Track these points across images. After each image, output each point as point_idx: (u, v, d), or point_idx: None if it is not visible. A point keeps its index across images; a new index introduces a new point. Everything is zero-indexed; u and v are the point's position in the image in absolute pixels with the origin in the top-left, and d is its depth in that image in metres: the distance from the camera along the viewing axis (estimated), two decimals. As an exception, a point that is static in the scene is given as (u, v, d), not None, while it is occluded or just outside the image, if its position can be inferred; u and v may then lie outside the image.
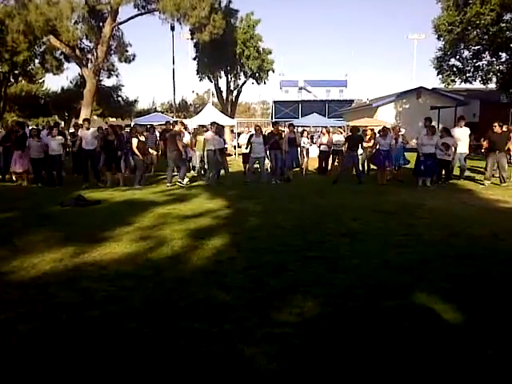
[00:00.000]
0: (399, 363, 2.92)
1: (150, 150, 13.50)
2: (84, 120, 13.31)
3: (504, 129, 12.79)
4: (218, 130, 13.00)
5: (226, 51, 38.26)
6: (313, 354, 3.02)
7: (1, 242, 6.00)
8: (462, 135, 12.50)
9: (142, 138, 12.49)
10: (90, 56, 28.57)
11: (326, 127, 16.69)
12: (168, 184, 12.02)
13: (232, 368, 2.86)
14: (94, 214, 8.12)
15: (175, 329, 3.40)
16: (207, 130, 13.56)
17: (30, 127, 15.71)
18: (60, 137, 12.22)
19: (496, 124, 11.89)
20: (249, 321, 3.52)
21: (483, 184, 11.67)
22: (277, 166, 12.81)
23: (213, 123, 13.25)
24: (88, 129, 12.47)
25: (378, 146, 12.66)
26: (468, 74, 25.34)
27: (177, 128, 13.01)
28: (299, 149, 14.60)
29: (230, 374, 2.80)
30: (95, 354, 3.05)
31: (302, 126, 21.30)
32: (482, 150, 12.80)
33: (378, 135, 13.18)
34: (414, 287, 4.24)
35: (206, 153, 12.98)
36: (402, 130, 15.32)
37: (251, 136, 13.01)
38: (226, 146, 13.50)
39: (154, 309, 3.79)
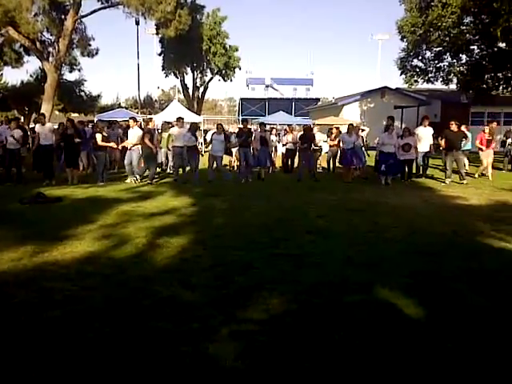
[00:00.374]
0: (362, 357, 2.95)
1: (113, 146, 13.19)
2: (40, 115, 12.79)
3: (463, 128, 13.22)
4: (193, 127, 12.89)
5: (192, 47, 37.96)
6: (278, 351, 3.03)
7: (-45, 241, 5.75)
8: (425, 134, 12.83)
9: (105, 134, 12.17)
10: (51, 49, 27.71)
11: (290, 126, 16.76)
12: (138, 177, 12.10)
13: (197, 367, 2.83)
14: (55, 211, 7.91)
15: (139, 328, 3.34)
16: (173, 126, 13.39)
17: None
18: (18, 130, 11.79)
19: (453, 123, 12.25)
20: (214, 319, 3.49)
21: (444, 182, 11.99)
22: (246, 164, 12.69)
23: (179, 119, 13.12)
24: (44, 124, 12.04)
25: (342, 145, 12.80)
26: (430, 75, 26.06)
27: (150, 125, 12.98)
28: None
29: (196, 372, 2.78)
30: (55, 355, 2.96)
31: (269, 124, 21.36)
32: (441, 149, 13.15)
33: (343, 133, 13.37)
34: (376, 283, 4.30)
35: (171, 149, 12.84)
36: (365, 129, 15.62)
37: (213, 133, 12.91)
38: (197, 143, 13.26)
39: (117, 308, 3.71)
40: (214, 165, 12.68)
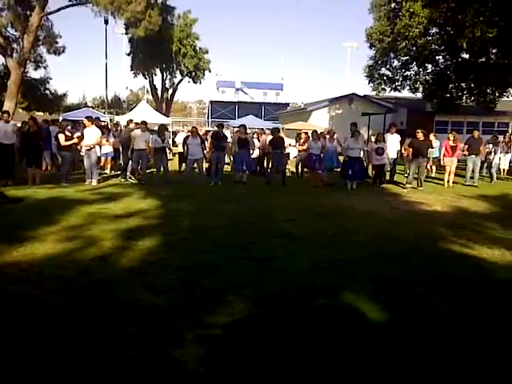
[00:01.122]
0: (325, 361, 2.97)
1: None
2: (3, 112, 12.23)
3: (431, 136, 13.59)
4: (161, 129, 12.88)
5: (161, 48, 37.66)
6: (243, 356, 3.02)
7: None
8: (392, 141, 13.12)
9: (69, 134, 11.84)
10: (15, 46, 26.89)
11: (257, 130, 16.72)
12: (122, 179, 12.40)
13: (160, 371, 2.78)
14: (16, 212, 7.67)
15: (101, 332, 3.26)
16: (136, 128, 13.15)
17: None
18: None
19: (419, 131, 12.55)
20: (179, 323, 3.45)
21: (405, 188, 12.25)
22: (217, 168, 12.60)
23: (142, 122, 12.94)
24: (8, 122, 11.45)
25: (310, 150, 12.96)
26: (397, 83, 26.65)
27: (131, 126, 13.15)
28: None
29: (159, 377, 2.73)
30: (13, 359, 2.86)
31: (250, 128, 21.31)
32: (404, 155, 13.46)
33: (310, 139, 13.52)
34: (342, 287, 4.35)
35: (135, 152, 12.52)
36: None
37: (187, 137, 12.77)
38: (166, 145, 13.13)
39: (79, 312, 3.62)
40: (195, 165, 12.76)
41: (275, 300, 3.98)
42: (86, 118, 12.70)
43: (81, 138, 11.76)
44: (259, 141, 15.14)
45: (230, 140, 14.95)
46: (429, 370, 2.92)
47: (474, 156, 13.42)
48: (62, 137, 11.42)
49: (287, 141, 15.01)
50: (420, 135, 12.49)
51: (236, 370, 2.85)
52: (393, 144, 13.12)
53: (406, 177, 12.95)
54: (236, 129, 17.71)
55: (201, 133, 16.64)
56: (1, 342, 3.10)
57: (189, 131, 14.72)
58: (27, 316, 3.51)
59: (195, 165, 12.80)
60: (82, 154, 12.20)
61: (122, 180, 12.59)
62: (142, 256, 5.21)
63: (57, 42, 28.73)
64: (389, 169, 13.62)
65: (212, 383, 2.72)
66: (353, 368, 2.91)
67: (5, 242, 5.51)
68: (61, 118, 24.65)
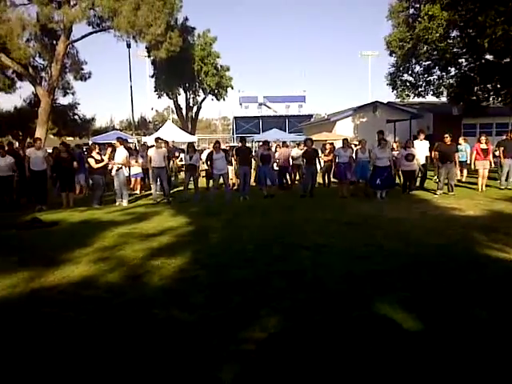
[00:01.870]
0: (366, 374, 2.93)
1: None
2: (35, 139, 12.55)
3: (460, 140, 13.33)
4: (189, 147, 12.95)
5: (183, 68, 38.30)
6: (279, 371, 3.00)
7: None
8: (421, 148, 12.94)
9: (99, 157, 12.11)
10: (43, 74, 27.90)
11: (284, 142, 16.64)
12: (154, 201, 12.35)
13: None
14: (51, 236, 7.87)
15: (138, 351, 3.30)
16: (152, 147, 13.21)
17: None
18: (10, 157, 11.62)
19: (447, 135, 12.34)
20: (213, 339, 3.46)
21: (436, 194, 12.03)
22: (245, 182, 12.61)
23: (157, 139, 12.88)
24: (39, 149, 11.78)
25: (337, 159, 12.81)
26: (420, 89, 26.32)
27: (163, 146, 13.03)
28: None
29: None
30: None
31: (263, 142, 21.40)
32: (434, 161, 13.22)
33: (338, 147, 13.38)
34: (376, 298, 4.29)
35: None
36: (354, 143, 15.66)
37: (211, 153, 12.64)
38: (195, 163, 12.85)
39: (116, 333, 3.67)
40: (221, 180, 12.57)
41: (309, 313, 3.95)
42: (117, 139, 13.04)
43: (110, 157, 12.04)
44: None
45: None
46: (469, 379, 2.85)
47: (510, 159, 13.06)
48: (92, 161, 11.68)
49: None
50: (447, 139, 12.30)
51: (273, 385, 2.84)
52: (421, 150, 12.93)
53: (437, 183, 12.71)
54: (260, 143, 17.79)
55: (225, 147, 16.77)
56: (41, 365, 3.17)
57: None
58: (66, 339, 3.58)
59: (221, 180, 12.65)
60: (112, 174, 12.40)
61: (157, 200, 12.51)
62: (173, 274, 5.27)
63: (82, 69, 29.61)
64: (419, 175, 13.42)
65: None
66: (392, 379, 2.86)
67: (42, 266, 5.66)
68: (90, 142, 25.25)
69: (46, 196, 11.66)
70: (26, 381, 2.97)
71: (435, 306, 4.06)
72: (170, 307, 4.18)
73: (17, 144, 33.59)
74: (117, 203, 11.94)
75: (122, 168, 12.11)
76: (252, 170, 13.62)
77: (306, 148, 13.35)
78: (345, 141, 13.09)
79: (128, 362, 3.17)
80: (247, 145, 13.64)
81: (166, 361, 3.16)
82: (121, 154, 12.19)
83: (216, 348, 3.32)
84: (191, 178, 12.72)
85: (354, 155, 12.83)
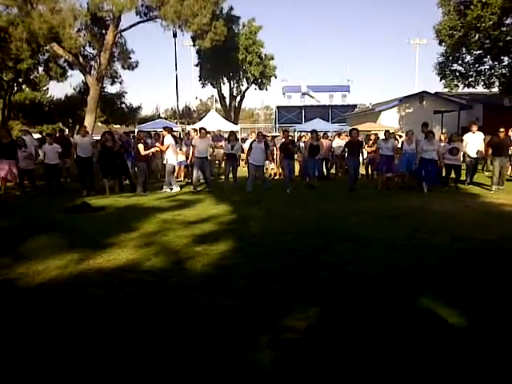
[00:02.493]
0: (405, 367, 2.91)
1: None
2: (82, 127, 13.06)
3: (510, 133, 12.73)
4: (231, 136, 12.71)
5: (228, 57, 38.48)
6: (319, 361, 3.02)
7: (6, 249, 6.03)
8: (473, 140, 12.44)
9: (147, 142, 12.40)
10: (93, 63, 28.74)
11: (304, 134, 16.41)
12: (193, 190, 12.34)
13: (236, 373, 2.86)
14: (99, 220, 8.15)
15: (180, 335, 3.40)
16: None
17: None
18: (57, 145, 12.06)
19: (502, 129, 11.81)
20: (254, 326, 3.52)
21: (492, 189, 11.53)
22: (289, 175, 12.37)
23: (201, 129, 12.91)
24: (85, 136, 12.17)
25: (380, 151, 12.45)
26: (470, 79, 25.40)
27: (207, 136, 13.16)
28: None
29: (236, 379, 2.81)
30: (98, 361, 3.06)
31: (305, 132, 21.30)
32: (486, 155, 12.73)
33: (380, 139, 13.11)
34: (418, 292, 4.23)
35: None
36: (402, 135, 15.28)
37: (253, 141, 12.55)
38: (236, 152, 12.63)
39: (159, 316, 3.79)
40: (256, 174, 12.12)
41: (350, 304, 3.94)
42: (164, 128, 13.36)
43: (161, 145, 12.32)
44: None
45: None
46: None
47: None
48: (141, 146, 11.92)
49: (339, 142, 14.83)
50: (502, 133, 11.76)
51: (312, 375, 2.86)
52: (474, 143, 12.40)
53: (490, 177, 12.20)
54: (303, 133, 17.59)
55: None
56: (87, 345, 3.31)
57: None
58: (111, 320, 3.73)
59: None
60: (164, 162, 12.64)
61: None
62: (216, 260, 5.37)
63: (130, 58, 30.33)
64: (464, 168, 12.89)
65: (288, 386, 2.75)
66: (436, 374, 2.83)
67: (90, 248, 5.89)
68: (136, 130, 25.84)
69: (93, 182, 12.07)
70: (75, 358, 3.12)
71: (481, 303, 3.96)
72: (212, 293, 4.27)
73: (67, 131, 34.89)
74: (162, 190, 12.21)
75: (169, 156, 12.34)
76: (296, 163, 13.36)
77: (350, 139, 12.97)
78: (386, 133, 12.69)
79: (170, 343, 3.26)
80: (290, 137, 13.40)
81: (208, 344, 3.23)
82: (168, 142, 12.43)
83: (256, 335, 3.37)
84: (231, 168, 12.63)
85: (400, 146, 12.54)
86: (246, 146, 15.60)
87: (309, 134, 15.87)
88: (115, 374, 2.90)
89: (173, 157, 12.52)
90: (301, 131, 28.41)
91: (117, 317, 3.75)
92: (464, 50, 24.68)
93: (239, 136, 25.76)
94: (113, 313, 3.84)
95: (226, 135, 20.31)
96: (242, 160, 15.19)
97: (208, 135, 13.04)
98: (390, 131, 13.55)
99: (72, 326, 3.58)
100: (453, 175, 12.15)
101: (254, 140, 12.52)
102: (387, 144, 12.25)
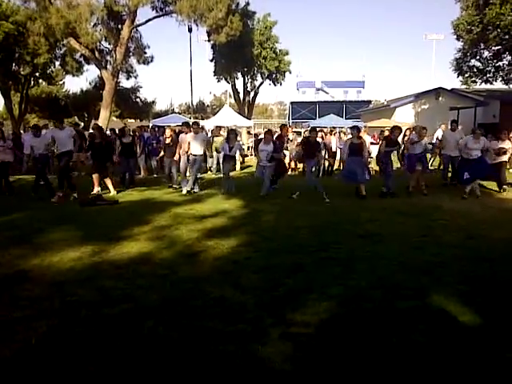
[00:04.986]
0: (414, 365, 2.89)
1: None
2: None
3: None
4: (230, 135, 11.50)
5: (242, 52, 38.38)
6: (329, 355, 3.02)
7: (21, 240, 6.12)
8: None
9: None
10: (108, 58, 28.96)
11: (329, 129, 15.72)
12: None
13: (246, 367, 2.87)
14: (113, 213, 8.22)
15: (190, 328, 3.42)
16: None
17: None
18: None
19: None
20: (264, 321, 3.52)
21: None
22: (311, 176, 10.57)
23: (194, 123, 11.85)
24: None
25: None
26: (488, 75, 25.02)
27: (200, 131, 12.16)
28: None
29: (245, 373, 2.82)
30: (112, 351, 3.09)
31: (319, 127, 21.16)
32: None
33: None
34: (430, 289, 4.20)
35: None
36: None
37: (258, 142, 11.44)
38: (233, 154, 11.52)
39: (170, 308, 3.82)
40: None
41: (360, 300, 3.93)
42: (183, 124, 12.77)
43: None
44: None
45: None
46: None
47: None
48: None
49: (367, 139, 14.12)
50: None
51: (322, 369, 2.86)
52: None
53: None
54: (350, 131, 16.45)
55: (291, 135, 16.24)
56: (100, 335, 3.35)
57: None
58: (124, 311, 3.76)
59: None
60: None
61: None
62: (227, 255, 5.38)
63: (145, 53, 30.44)
64: None
65: (297, 381, 2.75)
66: (446, 372, 2.81)
67: (104, 241, 5.95)
68: (150, 124, 25.98)
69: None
70: (85, 346, 3.17)
71: (495, 302, 3.91)
72: (223, 287, 4.29)
73: (82, 125, 35.19)
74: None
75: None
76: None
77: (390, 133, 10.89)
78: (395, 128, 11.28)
79: (181, 336, 3.29)
80: (316, 136, 11.33)
81: (217, 339, 3.25)
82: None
83: (267, 329, 3.38)
84: (228, 169, 11.25)
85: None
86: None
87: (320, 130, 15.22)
88: (129, 366, 2.94)
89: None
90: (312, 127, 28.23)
91: (130, 308, 3.79)
92: (482, 45, 24.30)
93: (252, 131, 25.75)
94: (126, 304, 3.88)
95: (241, 130, 20.31)
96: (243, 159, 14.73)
97: (202, 131, 12.40)
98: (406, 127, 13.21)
99: (83, 318, 3.63)
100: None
101: (260, 141, 11.40)
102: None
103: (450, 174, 11.99)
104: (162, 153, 12.59)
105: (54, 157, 11.67)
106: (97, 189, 10.74)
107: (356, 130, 10.51)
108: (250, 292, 4.14)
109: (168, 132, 12.40)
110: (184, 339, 3.24)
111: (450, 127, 12.15)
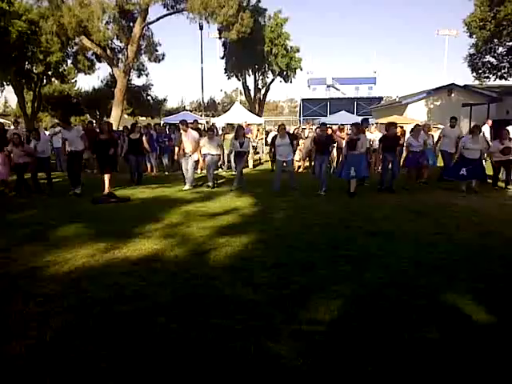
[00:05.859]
0: (428, 363, 2.88)
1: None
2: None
3: None
4: (238, 131, 11.51)
5: (253, 49, 38.31)
6: (341, 353, 3.01)
7: (35, 237, 6.18)
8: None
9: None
10: (120, 56, 29.16)
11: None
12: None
13: (258, 364, 2.87)
14: (125, 210, 8.28)
15: (202, 325, 3.43)
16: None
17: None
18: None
19: None
20: (276, 318, 3.52)
21: None
22: (321, 174, 10.48)
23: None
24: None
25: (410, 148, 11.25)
26: (503, 71, 24.72)
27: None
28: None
29: (257, 370, 2.82)
30: (124, 348, 3.11)
31: (331, 124, 21.06)
32: None
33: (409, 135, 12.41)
34: (445, 287, 4.17)
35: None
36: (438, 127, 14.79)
37: (274, 137, 11.39)
38: (245, 149, 11.51)
39: (182, 305, 3.83)
40: (284, 168, 10.89)
41: (373, 298, 3.91)
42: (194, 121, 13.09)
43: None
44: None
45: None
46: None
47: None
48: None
49: (379, 135, 13.97)
50: None
51: (334, 367, 2.86)
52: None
53: None
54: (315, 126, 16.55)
55: (307, 132, 16.27)
56: (113, 332, 3.38)
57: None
58: (136, 307, 3.79)
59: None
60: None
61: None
62: (238, 252, 5.39)
63: (157, 50, 30.61)
64: None
65: (309, 378, 2.75)
66: (460, 370, 2.79)
67: (116, 238, 5.99)
68: (162, 122, 26.08)
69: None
70: (98, 343, 3.19)
71: (510, 300, 3.87)
72: (235, 284, 4.30)
73: (94, 122, 35.39)
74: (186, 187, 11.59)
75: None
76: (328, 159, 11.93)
77: (386, 132, 10.93)
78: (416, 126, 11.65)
79: (192, 332, 3.30)
80: (327, 132, 11.58)
81: (229, 336, 3.26)
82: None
83: (278, 326, 3.38)
84: (240, 166, 11.34)
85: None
86: (269, 139, 15.42)
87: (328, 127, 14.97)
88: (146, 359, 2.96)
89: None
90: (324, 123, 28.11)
91: (142, 305, 3.81)
92: (496, 41, 24.02)
93: (263, 129, 25.71)
94: (139, 300, 3.90)
95: (252, 127, 20.27)
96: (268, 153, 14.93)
97: (215, 135, 12.44)
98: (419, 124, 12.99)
99: (97, 315, 3.66)
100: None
101: (276, 135, 11.25)
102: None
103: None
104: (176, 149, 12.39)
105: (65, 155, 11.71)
106: (107, 190, 10.42)
107: (355, 126, 10.40)
108: (261, 289, 4.15)
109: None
110: (196, 336, 3.25)
111: (449, 124, 12.12)
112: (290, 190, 10.45)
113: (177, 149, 11.63)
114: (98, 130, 14.40)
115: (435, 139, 12.63)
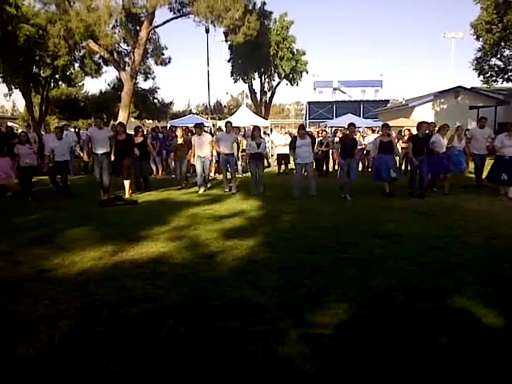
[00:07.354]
0: (438, 367, 2.86)
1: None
2: (97, 122, 11.35)
3: None
4: (255, 132, 11.16)
5: (259, 53, 38.40)
6: (349, 356, 3.00)
7: (43, 240, 6.21)
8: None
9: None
10: (127, 59, 29.27)
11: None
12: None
13: (267, 367, 2.87)
14: (132, 213, 8.30)
15: (210, 327, 3.43)
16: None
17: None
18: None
19: None
20: (283, 321, 3.52)
21: None
22: (349, 178, 10.30)
23: (227, 122, 12.17)
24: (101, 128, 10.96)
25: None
26: (510, 73, 24.63)
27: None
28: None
29: (265, 373, 2.82)
30: (132, 351, 3.12)
31: (336, 127, 21.06)
32: None
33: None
34: (452, 290, 4.14)
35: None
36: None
37: (294, 138, 10.79)
38: (262, 151, 11.24)
39: (190, 307, 3.84)
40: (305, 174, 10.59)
41: (380, 302, 3.90)
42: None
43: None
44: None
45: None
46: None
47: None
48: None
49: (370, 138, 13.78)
50: None
51: (342, 370, 2.84)
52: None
53: None
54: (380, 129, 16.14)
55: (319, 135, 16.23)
56: (121, 335, 3.39)
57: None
58: (144, 310, 3.79)
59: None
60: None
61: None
62: (245, 255, 5.39)
63: (163, 54, 30.69)
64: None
65: (317, 382, 2.74)
66: (470, 376, 2.77)
67: (124, 241, 6.01)
68: (168, 125, 26.15)
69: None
70: (106, 346, 3.20)
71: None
72: (242, 287, 4.29)
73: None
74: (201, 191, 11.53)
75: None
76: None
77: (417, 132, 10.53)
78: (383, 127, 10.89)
79: (199, 335, 3.30)
80: (353, 133, 11.07)
81: (237, 339, 3.25)
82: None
83: (286, 329, 3.38)
84: (257, 169, 10.92)
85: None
86: (275, 140, 15.42)
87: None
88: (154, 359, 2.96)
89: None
90: (331, 126, 28.11)
91: (150, 308, 3.82)
92: (503, 44, 23.93)
93: (269, 131, 25.70)
94: (146, 303, 3.91)
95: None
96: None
97: (233, 132, 12.29)
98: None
99: (105, 318, 3.67)
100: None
101: (296, 137, 10.71)
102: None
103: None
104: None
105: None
106: (128, 193, 10.54)
107: (387, 127, 10.46)
108: (269, 292, 4.14)
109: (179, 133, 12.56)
110: (204, 339, 3.26)
111: (477, 125, 11.83)
112: (308, 196, 10.11)
113: (190, 152, 11.48)
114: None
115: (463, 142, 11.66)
